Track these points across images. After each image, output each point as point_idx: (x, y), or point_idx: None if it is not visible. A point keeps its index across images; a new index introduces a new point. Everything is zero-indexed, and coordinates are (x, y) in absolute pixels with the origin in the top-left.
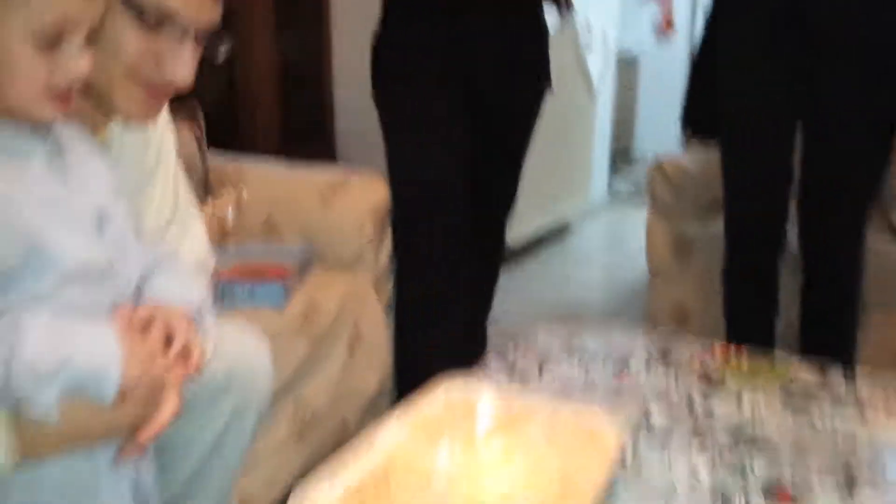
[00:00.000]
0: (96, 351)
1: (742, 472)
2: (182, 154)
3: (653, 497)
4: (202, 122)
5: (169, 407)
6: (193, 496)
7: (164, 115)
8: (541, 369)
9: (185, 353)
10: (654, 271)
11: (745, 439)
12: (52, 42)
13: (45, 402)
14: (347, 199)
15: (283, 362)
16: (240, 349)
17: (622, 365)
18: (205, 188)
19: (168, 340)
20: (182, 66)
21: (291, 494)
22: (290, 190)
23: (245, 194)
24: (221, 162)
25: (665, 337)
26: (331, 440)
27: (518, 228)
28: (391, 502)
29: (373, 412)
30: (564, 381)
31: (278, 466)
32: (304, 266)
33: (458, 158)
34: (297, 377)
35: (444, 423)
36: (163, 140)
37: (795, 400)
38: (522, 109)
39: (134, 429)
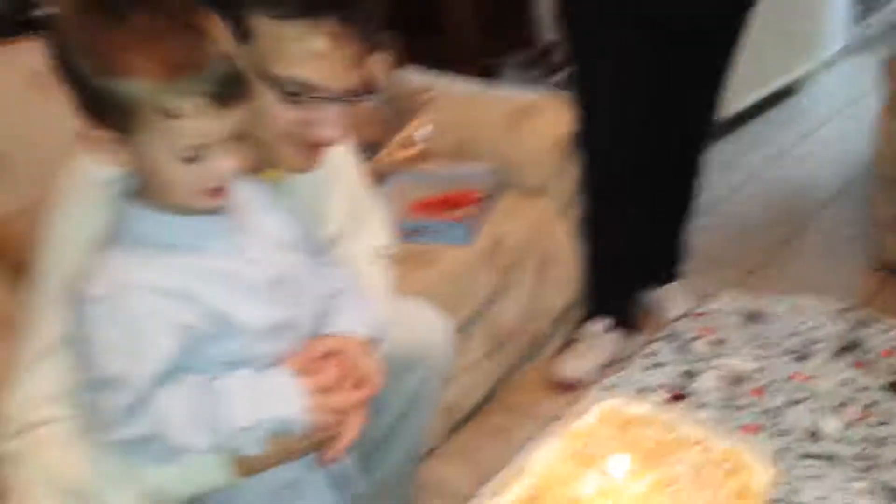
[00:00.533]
0: (283, 404)
1: None
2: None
3: None
4: (398, 49)
5: (352, 427)
6: (385, 455)
7: None
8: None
9: (362, 380)
10: (881, 175)
11: None
12: (193, 157)
13: (249, 447)
14: (535, 125)
15: (472, 294)
16: (421, 329)
17: (801, 358)
18: (399, 112)
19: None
20: (330, 127)
21: None
22: (480, 113)
23: (436, 119)
24: (417, 84)
25: (859, 320)
26: (524, 351)
27: (735, 92)
28: None
29: (563, 323)
30: (732, 379)
31: (474, 380)
32: (493, 191)
33: (646, 84)
34: (486, 305)
35: (596, 445)
36: (337, 150)
37: None
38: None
39: (326, 442)
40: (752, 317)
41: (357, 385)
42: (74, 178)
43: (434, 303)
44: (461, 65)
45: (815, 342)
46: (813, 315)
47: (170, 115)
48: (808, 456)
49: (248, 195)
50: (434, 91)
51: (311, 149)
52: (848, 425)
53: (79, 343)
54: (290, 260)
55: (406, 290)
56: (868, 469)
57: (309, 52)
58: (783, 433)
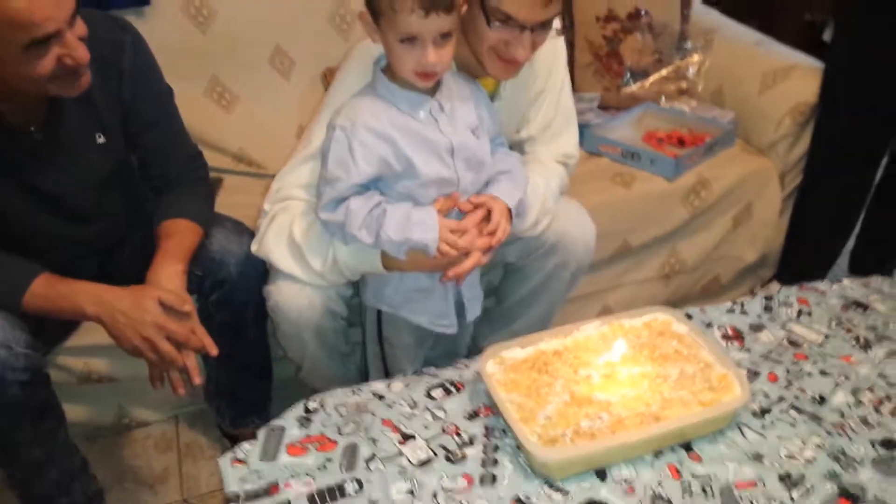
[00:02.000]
0: (422, 233)
1: None
2: (663, 17)
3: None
4: None
5: (469, 262)
6: (520, 314)
7: (557, 48)
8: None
9: (492, 232)
10: None
11: None
12: (408, 42)
13: (397, 253)
14: (781, 89)
15: (662, 221)
16: (569, 227)
17: (863, 347)
18: (677, 48)
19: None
20: (522, 50)
21: (492, 346)
22: (743, 65)
23: (707, 62)
24: (705, 23)
25: None
26: (699, 289)
27: None
28: (548, 370)
29: (748, 276)
30: (789, 342)
31: (640, 294)
32: (724, 139)
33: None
34: (673, 234)
35: (633, 335)
36: (552, 69)
37: None
38: None
39: (449, 266)
40: (853, 304)
41: (487, 234)
42: (359, 51)
43: (620, 218)
44: (788, 15)
45: (888, 339)
46: None
47: (394, 10)
48: (796, 408)
49: (460, 90)
50: (716, 34)
51: (507, 63)
52: (856, 404)
53: (323, 153)
54: (471, 139)
55: (599, 199)
56: (834, 435)
57: None
58: (795, 389)
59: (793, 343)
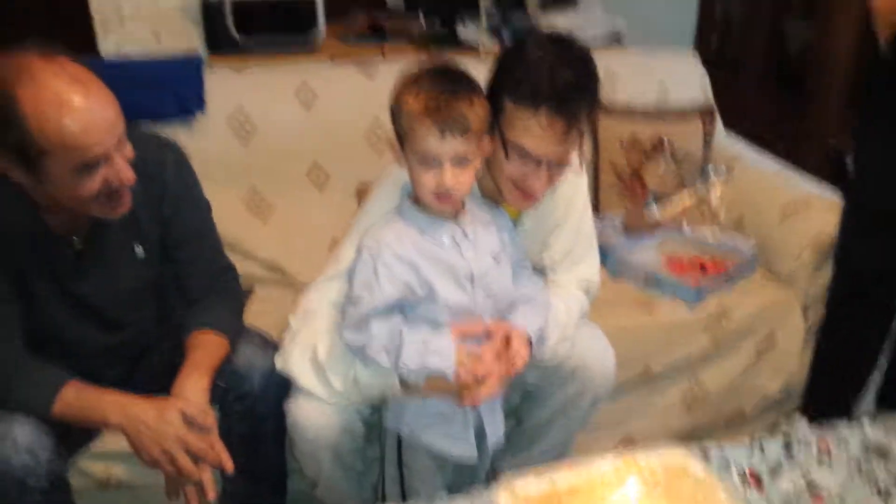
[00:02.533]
0: (440, 359)
1: None
2: (686, 145)
3: None
4: (714, 120)
5: (486, 390)
6: (538, 438)
7: (578, 180)
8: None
9: (511, 359)
10: None
11: None
12: (427, 165)
13: (414, 379)
14: (801, 219)
15: (683, 347)
16: (587, 354)
17: (883, 494)
18: (699, 174)
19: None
20: (538, 183)
21: (506, 476)
22: (764, 194)
23: (730, 189)
24: (728, 152)
25: None
26: (722, 420)
27: None
28: None
29: (771, 409)
30: (808, 487)
31: (663, 423)
32: (745, 268)
33: None
34: (695, 362)
35: (644, 472)
36: (572, 199)
37: None
38: None
39: (466, 392)
40: (873, 449)
41: (504, 362)
42: (390, 175)
43: (641, 343)
44: (812, 142)
45: None
46: None
47: (413, 130)
48: None
49: (483, 215)
50: (739, 162)
51: (524, 194)
52: None
53: (350, 273)
54: (492, 266)
55: (620, 325)
56: None
57: (527, 129)
58: None
59: (813, 492)
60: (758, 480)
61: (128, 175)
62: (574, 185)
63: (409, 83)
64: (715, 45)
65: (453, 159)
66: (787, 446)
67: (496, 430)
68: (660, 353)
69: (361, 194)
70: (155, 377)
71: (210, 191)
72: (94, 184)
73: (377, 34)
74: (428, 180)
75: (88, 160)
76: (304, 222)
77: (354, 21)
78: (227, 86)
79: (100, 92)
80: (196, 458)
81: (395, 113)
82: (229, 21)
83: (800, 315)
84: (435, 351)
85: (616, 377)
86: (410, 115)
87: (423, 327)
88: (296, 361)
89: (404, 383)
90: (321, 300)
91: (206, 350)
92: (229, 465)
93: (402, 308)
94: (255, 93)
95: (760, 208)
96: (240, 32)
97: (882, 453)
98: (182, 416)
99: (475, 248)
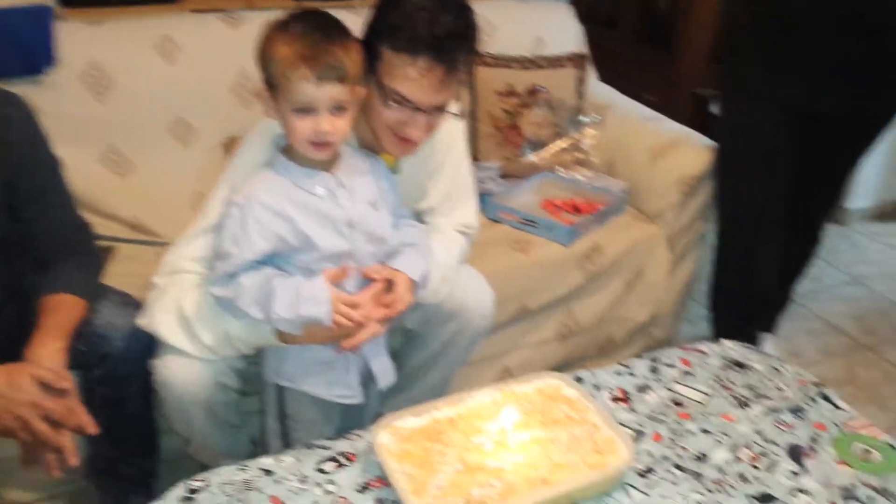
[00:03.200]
0: (315, 308)
1: None
2: (560, 93)
3: None
4: (587, 68)
5: (365, 333)
6: (418, 379)
7: (456, 126)
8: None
9: (393, 302)
10: None
11: None
12: (303, 113)
13: (290, 329)
14: (668, 162)
15: (558, 284)
16: (468, 294)
17: (742, 405)
18: (573, 122)
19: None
20: (417, 130)
21: (385, 417)
22: (634, 139)
23: (602, 135)
24: (600, 98)
25: (820, 394)
26: (594, 348)
27: None
28: (441, 439)
29: (639, 336)
30: (673, 401)
31: (539, 355)
32: (616, 207)
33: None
34: (568, 297)
35: (522, 401)
36: (450, 145)
37: None
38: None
39: (344, 337)
40: (733, 364)
41: (386, 305)
42: (260, 128)
43: (518, 282)
44: (680, 86)
45: (765, 398)
46: (784, 378)
47: (288, 79)
48: (679, 467)
49: (360, 164)
50: (610, 110)
51: (402, 142)
52: (735, 461)
53: (218, 228)
54: (370, 213)
55: (498, 265)
56: (714, 492)
57: (406, 75)
58: (678, 448)
59: (677, 403)
60: (627, 398)
61: None
62: (452, 130)
63: (278, 30)
64: (589, 1)
65: (330, 106)
66: (654, 368)
67: (385, 372)
68: (536, 290)
69: (229, 148)
70: (5, 346)
71: (64, 150)
72: None
73: None
74: (304, 128)
75: None
76: (168, 179)
77: None
78: (79, 39)
79: None
80: (55, 424)
81: (265, 61)
82: None
83: (665, 249)
84: (308, 298)
85: (494, 316)
86: (283, 62)
87: (296, 276)
88: (162, 318)
89: (281, 334)
90: (187, 256)
91: (60, 313)
92: (92, 428)
93: (275, 260)
94: (111, 46)
95: (630, 152)
96: None
97: (740, 366)
98: (36, 380)
99: (351, 197)
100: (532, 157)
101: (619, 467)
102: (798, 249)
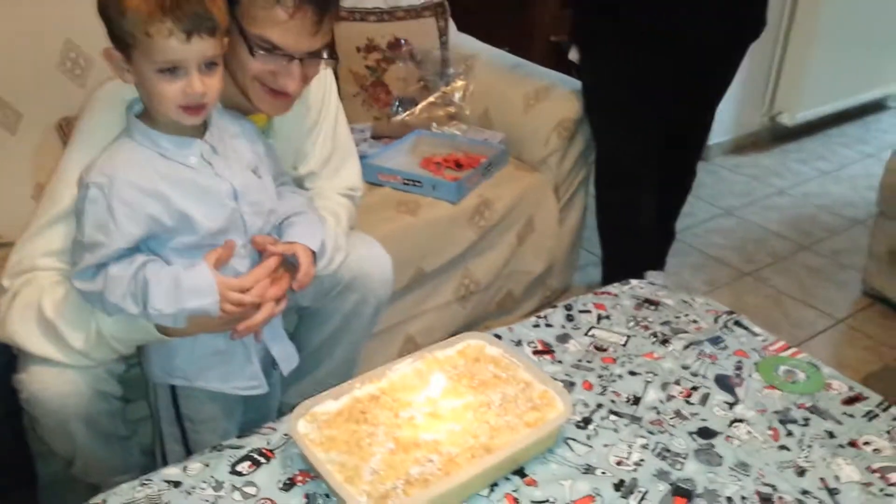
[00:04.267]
0: (198, 299)
1: None
2: (423, 45)
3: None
4: (447, 17)
5: (262, 314)
6: (322, 359)
7: (328, 79)
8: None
9: (298, 277)
10: (884, 211)
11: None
12: (169, 73)
13: (172, 324)
14: (544, 108)
15: (452, 244)
16: (365, 260)
17: (663, 342)
18: (440, 74)
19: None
20: (290, 81)
21: (301, 404)
22: (506, 88)
23: (471, 86)
24: (465, 50)
25: (732, 321)
26: (494, 305)
27: (819, 97)
28: (367, 419)
29: (537, 288)
30: (596, 347)
31: (440, 319)
32: (497, 159)
33: (655, 113)
34: (464, 256)
35: (449, 366)
36: (324, 100)
37: None
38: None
39: (238, 321)
40: (646, 303)
41: (279, 280)
42: (105, 94)
43: (411, 246)
44: (534, 36)
45: (683, 332)
46: (696, 311)
47: (149, 35)
48: (615, 413)
49: (230, 127)
50: (476, 59)
51: (275, 96)
52: (668, 399)
53: (77, 214)
54: (254, 180)
55: (387, 230)
56: (655, 433)
57: (273, 19)
58: (611, 393)
59: (599, 349)
60: (549, 350)
61: None
62: (324, 80)
63: None
64: None
65: (200, 63)
66: (570, 317)
67: (288, 356)
68: (430, 252)
69: (66, 131)
70: None
71: None
72: None
73: None
74: (172, 92)
75: None
76: None
77: None
78: None
79: None
80: None
81: (114, 18)
82: None
83: (552, 197)
84: (191, 289)
85: (394, 281)
86: (139, 17)
87: (176, 262)
88: (18, 325)
89: (163, 328)
90: (39, 251)
91: None
92: None
93: (150, 245)
94: None
95: (504, 101)
96: None
97: (652, 304)
98: None
99: (230, 165)
100: (403, 115)
101: (558, 421)
102: (675, 185)
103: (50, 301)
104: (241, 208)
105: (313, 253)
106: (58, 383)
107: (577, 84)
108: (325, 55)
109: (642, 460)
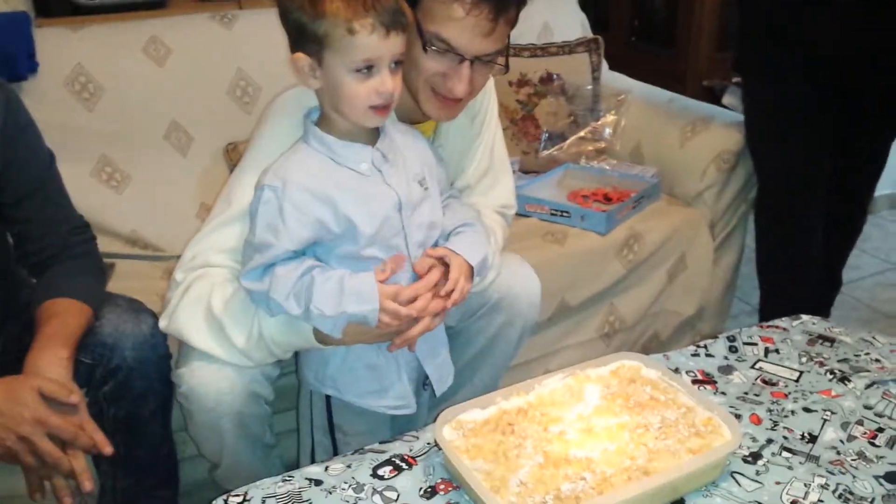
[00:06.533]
0: (359, 305)
1: None
2: (574, 80)
3: None
4: (601, 53)
5: (419, 328)
6: (463, 383)
7: (491, 93)
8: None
9: (448, 293)
10: None
11: None
12: (364, 71)
13: (332, 329)
14: (702, 140)
15: (598, 277)
16: (513, 281)
17: (841, 380)
18: (591, 109)
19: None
20: (460, 84)
21: (446, 410)
22: (660, 121)
23: (623, 121)
24: (616, 85)
25: None
26: (639, 347)
27: None
28: (514, 431)
29: (685, 332)
30: (764, 381)
31: (582, 357)
32: (650, 193)
33: (822, 144)
34: (610, 291)
35: (602, 385)
36: (487, 113)
37: None
38: None
39: (395, 335)
40: (820, 339)
41: (441, 295)
42: (283, 102)
43: (556, 276)
44: (687, 81)
45: (864, 370)
46: (879, 350)
47: (350, 31)
48: (788, 450)
49: (401, 136)
50: (628, 95)
51: (444, 101)
52: (849, 439)
53: (251, 215)
54: (421, 192)
55: (533, 258)
56: (836, 474)
57: (450, 15)
58: (783, 429)
59: (767, 382)
60: (710, 380)
61: None
62: (487, 97)
63: None
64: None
65: (392, 60)
66: (733, 348)
67: (442, 376)
68: (575, 284)
69: (232, 156)
70: (3, 367)
71: None
72: None
73: None
74: (366, 91)
75: None
76: (167, 190)
77: None
78: (61, 44)
79: None
80: (64, 445)
81: (307, 23)
82: None
83: (708, 234)
84: (353, 292)
85: (541, 305)
86: (338, 16)
87: (340, 267)
88: (186, 318)
89: (321, 334)
90: (214, 248)
91: (61, 319)
92: (107, 447)
93: (317, 251)
94: (97, 50)
95: (658, 134)
96: None
97: (828, 340)
98: (39, 394)
99: (398, 174)
100: (552, 150)
101: (727, 449)
102: (844, 224)
103: (219, 297)
104: (405, 219)
105: (471, 268)
106: (216, 380)
107: (738, 116)
108: (495, 62)
109: (821, 501)
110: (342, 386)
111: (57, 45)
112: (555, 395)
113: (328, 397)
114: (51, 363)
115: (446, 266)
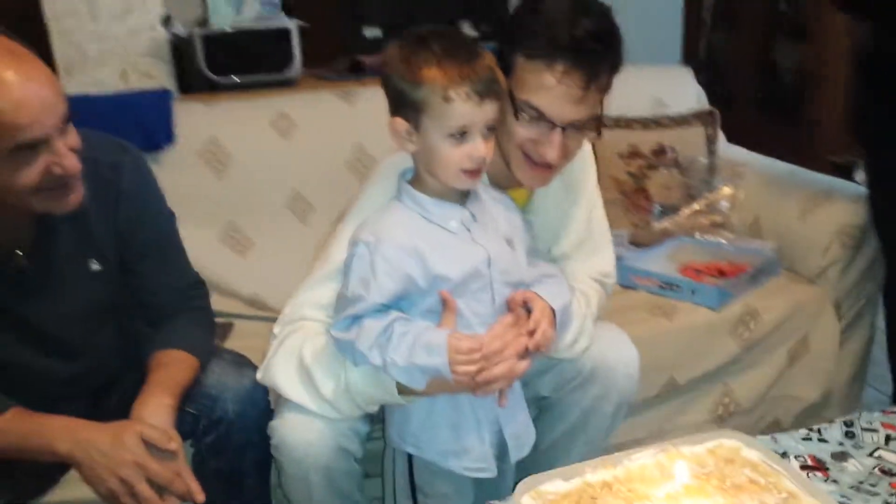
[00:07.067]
0: (431, 355)
1: None
2: (689, 153)
3: None
4: (716, 125)
5: (499, 369)
6: (557, 458)
7: (587, 160)
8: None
9: (531, 332)
10: None
11: None
12: (458, 136)
13: (407, 380)
14: (823, 213)
15: (710, 355)
16: (608, 352)
17: None
18: (706, 182)
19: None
20: (551, 150)
21: (526, 479)
22: (780, 195)
23: (741, 194)
24: (732, 157)
25: None
26: (757, 433)
27: None
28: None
29: (810, 419)
30: (883, 470)
31: None
32: (767, 269)
33: None
34: (724, 370)
35: (696, 463)
36: (583, 182)
37: None
38: None
39: (476, 382)
40: None
41: (523, 336)
42: (383, 168)
43: (664, 351)
44: (813, 157)
45: None
46: None
47: (446, 99)
48: None
49: (492, 199)
50: (747, 167)
51: (535, 167)
52: None
53: (345, 270)
54: (508, 251)
55: (638, 332)
56: None
57: (541, 84)
58: None
59: (886, 472)
60: (822, 466)
61: (72, 163)
62: (583, 165)
63: (414, 51)
64: (702, 81)
65: (485, 127)
66: (850, 433)
67: (520, 439)
68: (685, 361)
69: None
70: (121, 416)
71: (185, 230)
72: (33, 171)
73: (357, 71)
74: (458, 156)
75: (23, 142)
76: (287, 255)
77: (337, 63)
78: (197, 117)
79: (37, 68)
80: (160, 489)
81: (406, 90)
82: (201, 60)
83: (833, 314)
84: (424, 345)
85: (640, 379)
86: (438, 82)
87: (424, 322)
88: (279, 369)
89: (403, 386)
90: (310, 303)
91: (170, 368)
92: (199, 496)
93: (402, 305)
94: (229, 124)
95: (777, 208)
96: (212, 71)
97: None
98: (142, 439)
99: (486, 233)
100: (664, 223)
101: None
102: None
103: (310, 348)
104: (493, 275)
105: (553, 313)
106: (305, 430)
107: (859, 189)
108: (588, 128)
109: None
110: (423, 443)
111: (194, 118)
112: (644, 470)
113: (410, 457)
114: (155, 410)
115: (529, 312)
